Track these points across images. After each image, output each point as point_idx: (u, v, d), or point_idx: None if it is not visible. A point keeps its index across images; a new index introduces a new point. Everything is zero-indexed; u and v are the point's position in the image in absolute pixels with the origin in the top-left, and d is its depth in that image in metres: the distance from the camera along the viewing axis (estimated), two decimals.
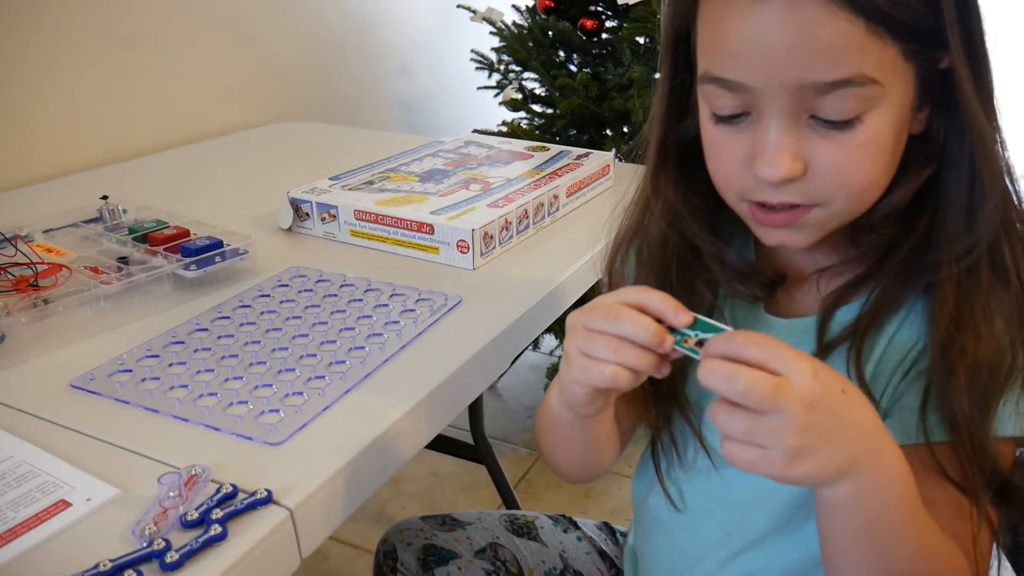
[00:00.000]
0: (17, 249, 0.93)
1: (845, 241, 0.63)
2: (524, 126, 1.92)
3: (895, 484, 0.52)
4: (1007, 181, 0.59)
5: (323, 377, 0.74)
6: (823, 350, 0.62)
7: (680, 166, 0.67)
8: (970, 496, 0.57)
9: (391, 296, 0.89)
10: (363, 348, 0.79)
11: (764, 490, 0.67)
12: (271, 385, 0.73)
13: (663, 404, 0.71)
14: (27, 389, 0.74)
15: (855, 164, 0.55)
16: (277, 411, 0.69)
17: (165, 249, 0.94)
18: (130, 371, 0.76)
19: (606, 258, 0.76)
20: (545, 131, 1.90)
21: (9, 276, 0.88)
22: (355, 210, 1.03)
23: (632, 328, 0.53)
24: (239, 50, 1.73)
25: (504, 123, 1.93)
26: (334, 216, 1.05)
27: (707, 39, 0.57)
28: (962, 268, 0.58)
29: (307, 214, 1.07)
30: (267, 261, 0.98)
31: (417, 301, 0.88)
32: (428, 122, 2.37)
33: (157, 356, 0.78)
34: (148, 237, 0.97)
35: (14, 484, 0.61)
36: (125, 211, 1.06)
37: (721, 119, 0.59)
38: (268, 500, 0.58)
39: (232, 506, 0.57)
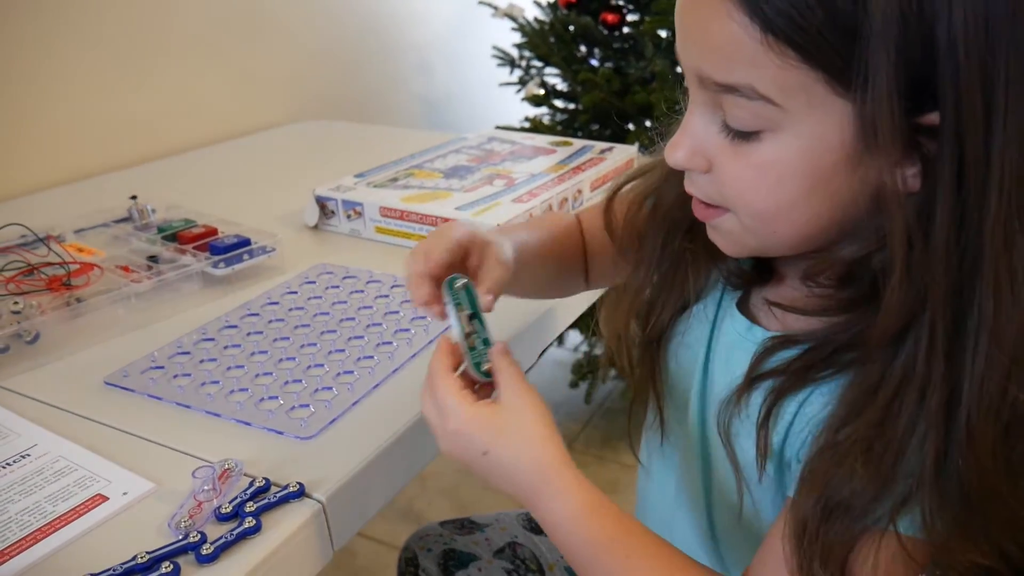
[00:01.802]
0: (50, 249, 0.94)
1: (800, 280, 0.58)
2: (546, 121, 1.91)
3: (559, 527, 0.55)
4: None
5: (352, 372, 0.74)
6: (748, 384, 0.58)
7: None
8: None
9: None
10: (391, 343, 0.79)
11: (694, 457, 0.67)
12: (301, 380, 0.73)
13: (644, 366, 0.70)
14: (62, 386, 0.75)
15: (751, 182, 0.51)
16: (307, 406, 0.69)
17: (194, 247, 0.95)
18: (162, 368, 0.77)
19: (611, 187, 0.73)
20: (567, 126, 1.90)
21: (42, 276, 0.90)
22: (380, 207, 1.04)
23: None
24: (262, 50, 1.74)
25: (526, 119, 1.93)
26: (360, 213, 1.06)
27: None
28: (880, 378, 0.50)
29: (333, 211, 1.08)
30: (294, 258, 0.99)
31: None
32: (450, 119, 2.37)
33: (188, 353, 0.79)
34: (177, 236, 0.98)
35: (52, 479, 0.62)
36: (154, 210, 1.07)
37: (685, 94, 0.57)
38: (300, 493, 0.59)
39: (265, 499, 0.58)
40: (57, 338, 0.81)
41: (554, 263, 0.76)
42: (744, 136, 0.50)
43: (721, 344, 0.63)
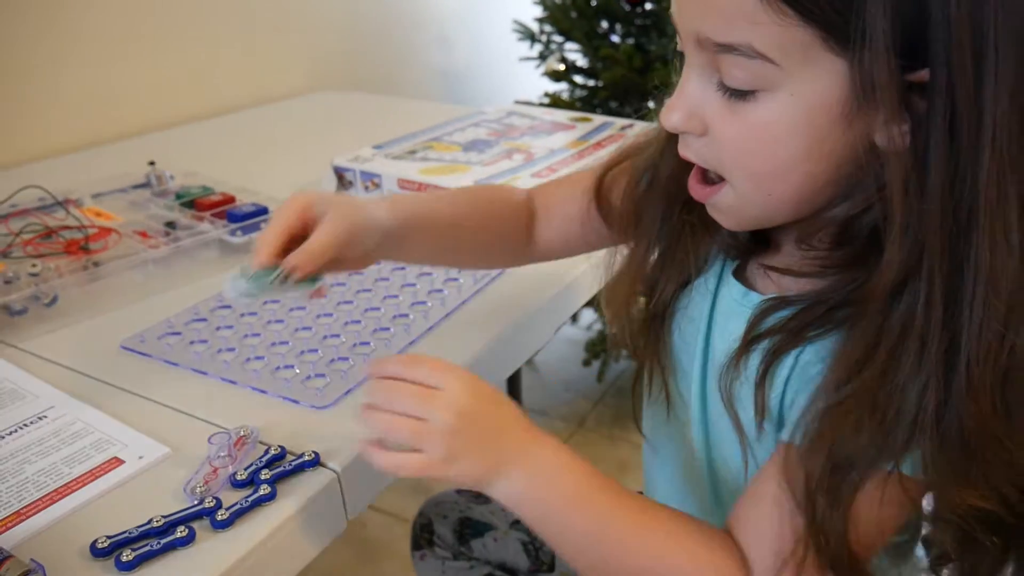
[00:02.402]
0: (68, 212, 0.94)
1: (793, 239, 0.58)
2: (565, 97, 1.90)
3: (553, 478, 0.54)
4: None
5: (368, 343, 0.74)
6: (745, 347, 0.57)
7: None
8: (805, 515, 0.51)
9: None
10: (407, 316, 0.79)
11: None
12: (317, 350, 0.73)
13: (649, 341, 0.69)
14: (79, 349, 0.75)
15: (748, 143, 0.51)
16: (323, 375, 0.69)
17: (211, 215, 0.95)
18: (179, 334, 0.77)
19: (601, 167, 0.72)
20: (587, 102, 1.88)
21: (60, 239, 0.90)
22: (399, 179, 1.03)
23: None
24: (283, 19, 1.73)
25: (545, 94, 1.92)
26: (377, 184, 1.05)
27: None
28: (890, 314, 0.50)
29: (350, 182, 1.08)
30: None
31: (460, 270, 0.88)
32: (469, 92, 2.36)
33: (204, 320, 0.79)
34: (195, 203, 0.98)
35: (69, 441, 0.62)
36: (172, 177, 1.07)
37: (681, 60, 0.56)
38: (316, 462, 0.59)
39: (280, 467, 0.58)
40: (74, 301, 0.81)
41: (472, 237, 0.74)
42: (741, 96, 0.50)
43: (719, 313, 0.63)
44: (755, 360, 0.57)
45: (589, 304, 1.89)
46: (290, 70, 1.78)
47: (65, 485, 0.58)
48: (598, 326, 2.08)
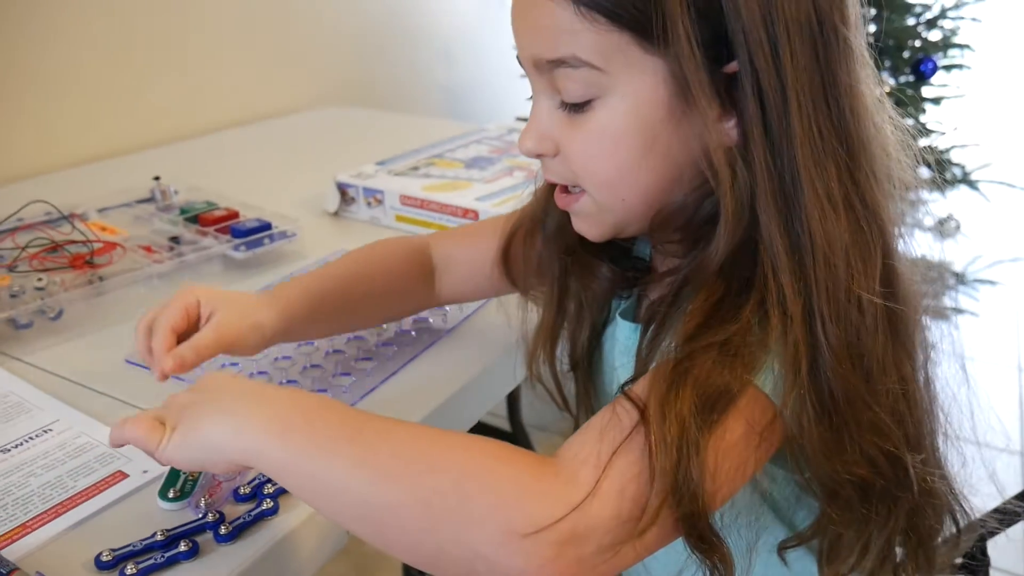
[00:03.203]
0: (74, 227, 0.95)
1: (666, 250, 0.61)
2: None
3: (307, 420, 0.47)
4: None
5: (371, 359, 0.75)
6: (640, 365, 0.57)
7: None
8: (636, 402, 0.47)
9: None
10: (409, 332, 0.80)
11: None
12: (320, 365, 0.74)
13: (578, 391, 0.71)
14: (84, 363, 0.76)
15: (591, 151, 0.54)
16: (325, 390, 0.70)
17: (215, 230, 0.96)
18: None
19: (503, 236, 0.72)
20: None
21: (66, 253, 0.91)
22: (401, 195, 1.04)
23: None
24: (287, 35, 1.74)
25: None
26: (380, 201, 1.06)
27: None
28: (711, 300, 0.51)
29: (353, 198, 1.09)
30: (314, 244, 1.00)
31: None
32: (470, 109, 2.37)
33: None
34: (199, 218, 0.99)
35: (74, 454, 0.63)
36: (176, 192, 1.08)
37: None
38: None
39: None
40: (79, 315, 0.82)
41: (373, 302, 0.74)
42: (579, 108, 0.53)
43: (618, 354, 0.64)
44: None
45: None
46: (294, 86, 1.79)
47: (70, 498, 0.58)
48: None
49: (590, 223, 0.59)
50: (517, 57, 0.57)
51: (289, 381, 0.72)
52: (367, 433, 0.47)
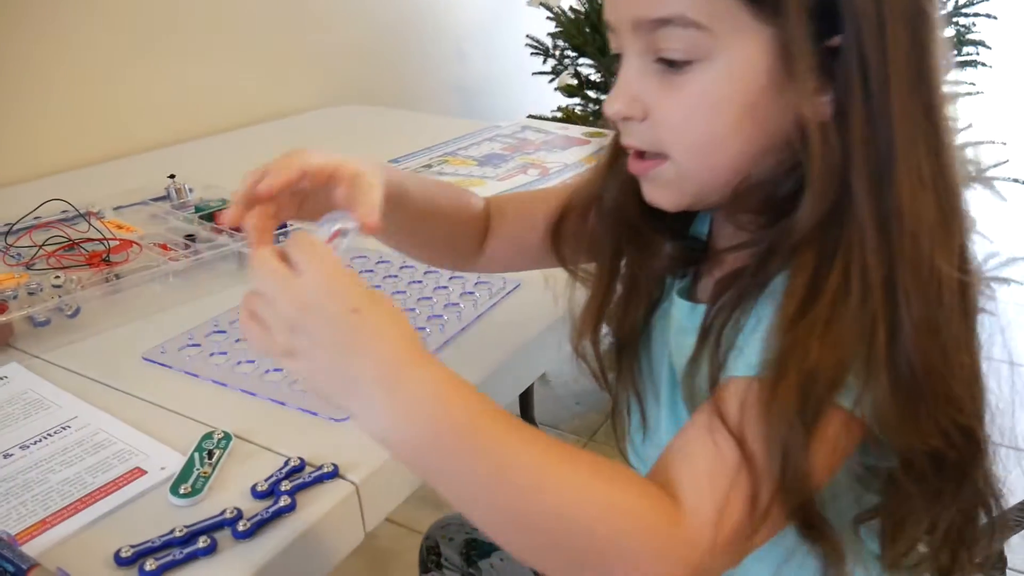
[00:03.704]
0: (90, 225, 0.96)
1: (753, 221, 0.58)
2: (579, 112, 1.91)
3: (436, 407, 0.46)
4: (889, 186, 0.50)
5: None
6: (702, 335, 0.57)
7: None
8: (735, 435, 0.49)
9: (450, 279, 0.90)
10: (424, 329, 0.80)
11: None
12: None
13: (623, 370, 0.70)
14: (101, 361, 0.76)
15: (687, 116, 0.54)
16: None
17: (230, 227, 0.96)
18: (199, 345, 0.78)
19: (557, 208, 0.72)
20: (600, 117, 1.89)
21: (83, 251, 0.91)
22: None
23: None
24: (300, 34, 1.75)
25: (559, 108, 1.93)
26: None
27: None
28: (819, 266, 0.51)
29: None
30: None
31: (476, 284, 0.89)
32: (482, 107, 2.37)
33: (224, 332, 0.80)
34: (214, 215, 0.99)
35: (92, 451, 0.63)
36: (191, 190, 1.08)
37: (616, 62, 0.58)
38: (334, 474, 0.60)
39: (300, 479, 0.59)
40: (96, 313, 0.82)
41: (435, 225, 0.72)
42: (678, 69, 0.52)
43: (674, 333, 0.64)
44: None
45: None
46: (308, 84, 1.80)
47: (89, 494, 0.59)
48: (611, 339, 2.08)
49: (668, 191, 0.58)
50: (606, 25, 0.55)
51: None
52: (498, 440, 0.46)
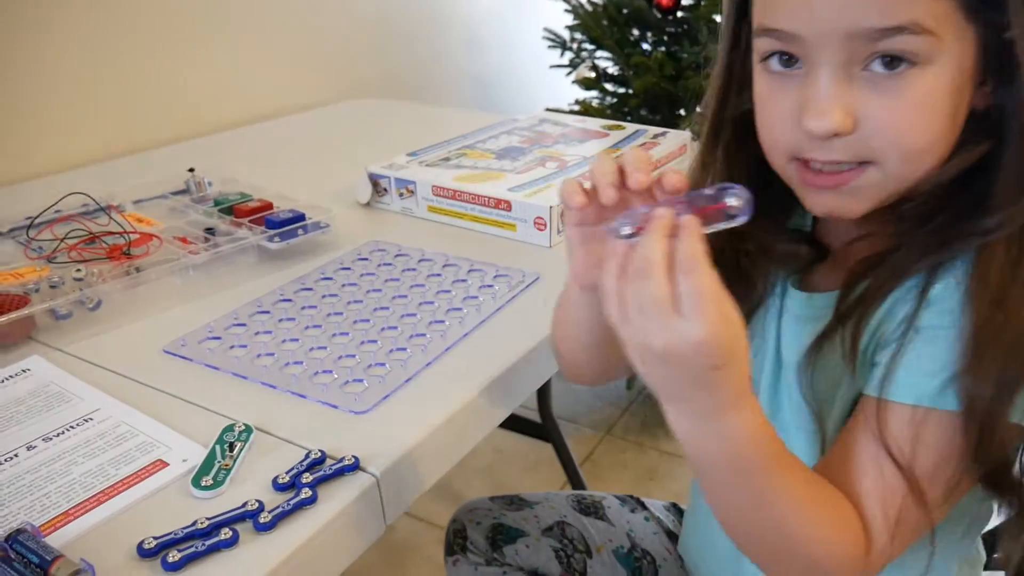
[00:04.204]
0: (111, 218, 0.96)
1: (887, 211, 0.59)
2: (596, 105, 1.90)
3: (729, 439, 0.51)
4: None
5: (404, 349, 0.75)
6: (838, 320, 0.59)
7: (734, 138, 0.65)
8: (899, 465, 0.54)
9: (469, 271, 0.90)
10: (443, 322, 0.80)
11: None
12: (354, 355, 0.74)
13: None
14: (123, 353, 0.77)
15: (908, 121, 0.53)
16: (361, 380, 0.70)
17: (250, 221, 0.96)
18: (219, 338, 0.78)
19: None
20: (617, 110, 1.88)
21: (103, 244, 0.92)
22: (433, 186, 1.04)
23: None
24: (319, 28, 1.75)
25: (576, 101, 1.92)
26: (412, 192, 1.06)
27: None
28: (1010, 244, 0.54)
29: (385, 189, 1.09)
30: (347, 235, 1.00)
31: (495, 277, 0.88)
32: (499, 100, 2.37)
33: (244, 325, 0.80)
34: (233, 209, 0.99)
35: (114, 443, 0.64)
36: (210, 183, 1.09)
37: (774, 73, 0.57)
38: (355, 467, 0.60)
39: (321, 471, 0.59)
40: (117, 306, 0.83)
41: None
42: (893, 78, 0.52)
43: (788, 323, 0.65)
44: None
45: None
46: (326, 78, 1.80)
47: (112, 486, 0.59)
48: None
49: (862, 199, 0.57)
50: (773, 30, 0.54)
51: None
52: (779, 475, 0.54)
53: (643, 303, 0.48)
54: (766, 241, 0.64)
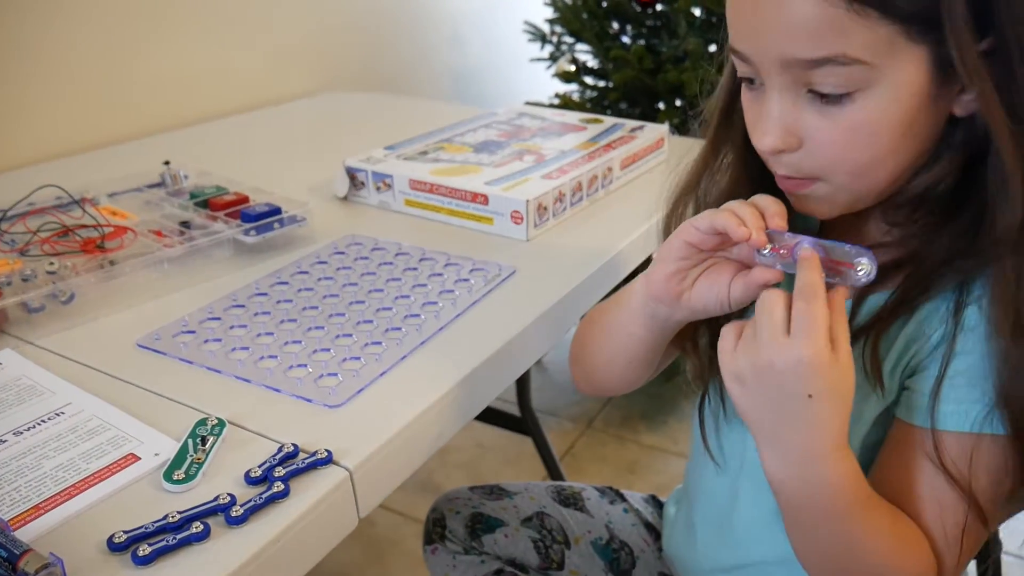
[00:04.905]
0: (84, 211, 0.95)
1: (889, 219, 0.62)
2: (576, 98, 1.90)
3: (823, 487, 0.55)
4: None
5: (379, 343, 0.75)
6: (853, 336, 0.60)
7: (745, 131, 0.67)
8: (967, 495, 0.57)
9: (445, 265, 0.90)
10: (418, 316, 0.80)
11: None
12: (329, 349, 0.74)
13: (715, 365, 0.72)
14: (96, 347, 0.76)
15: (848, 143, 0.55)
16: (335, 375, 0.70)
17: (225, 214, 0.96)
18: (193, 332, 0.78)
19: (663, 218, 0.75)
20: (597, 103, 1.88)
21: (77, 238, 0.91)
22: (410, 179, 1.04)
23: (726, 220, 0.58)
24: (295, 19, 1.74)
25: (556, 95, 1.92)
26: (389, 185, 1.06)
27: (727, 9, 0.58)
28: (1018, 258, 0.55)
29: (363, 183, 1.08)
30: (323, 228, 1.00)
31: (471, 271, 0.89)
32: (479, 93, 2.37)
33: (219, 319, 0.80)
34: (209, 202, 0.99)
35: (86, 437, 0.63)
36: (186, 176, 1.08)
37: (747, 83, 0.60)
38: (328, 460, 0.60)
39: (294, 465, 0.59)
40: (91, 299, 0.82)
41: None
42: (835, 101, 0.54)
43: None
44: (857, 348, 0.60)
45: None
46: (302, 70, 1.79)
47: (82, 480, 0.59)
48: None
49: (820, 205, 0.60)
50: (735, 51, 0.56)
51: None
52: (854, 526, 0.57)
53: (761, 326, 0.53)
54: None
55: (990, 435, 0.57)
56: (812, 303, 0.52)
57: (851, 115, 0.53)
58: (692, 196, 0.71)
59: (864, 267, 0.54)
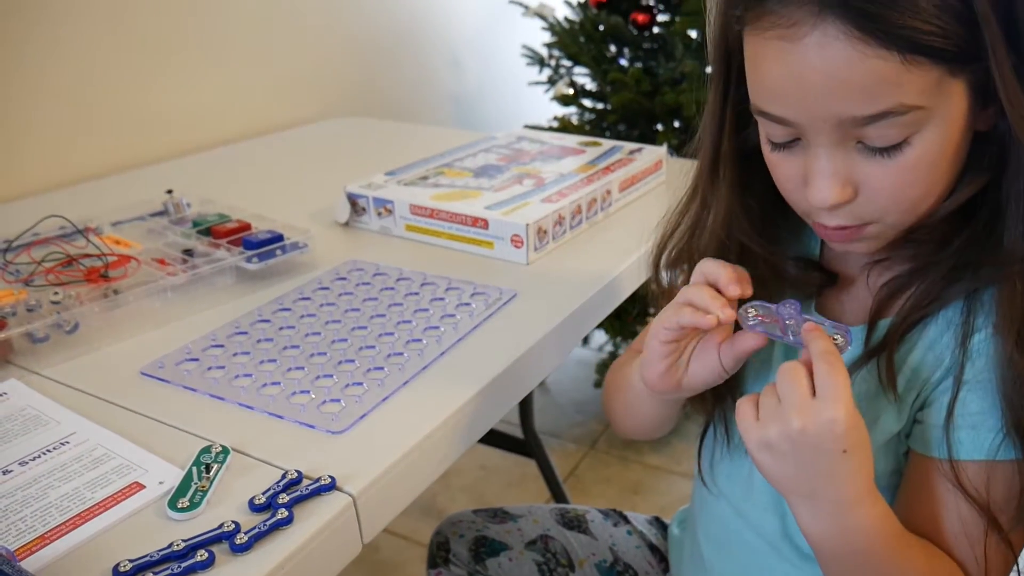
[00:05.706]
0: (88, 241, 0.96)
1: (901, 240, 0.63)
2: (575, 121, 1.92)
3: (861, 533, 0.57)
4: None
5: (382, 368, 0.75)
6: (867, 358, 0.62)
7: (738, 173, 0.67)
8: (988, 515, 0.58)
9: (447, 290, 0.91)
10: (420, 341, 0.80)
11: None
12: (332, 375, 0.75)
13: (721, 392, 0.72)
14: (100, 376, 0.77)
15: (906, 183, 0.56)
16: (338, 400, 0.70)
17: (228, 242, 0.97)
18: (196, 360, 0.78)
19: (651, 258, 0.76)
20: (596, 126, 1.90)
21: (81, 267, 0.92)
22: (411, 205, 1.05)
23: (696, 296, 0.61)
24: (296, 47, 1.76)
25: (555, 118, 1.94)
26: (390, 211, 1.07)
27: (751, 75, 0.58)
28: None
29: (364, 209, 1.09)
30: (325, 255, 1.00)
31: (472, 295, 0.89)
32: (478, 117, 2.38)
33: (222, 346, 0.81)
34: (211, 230, 1.00)
35: (91, 466, 0.64)
36: (189, 205, 1.09)
37: (776, 145, 0.60)
38: (332, 486, 0.60)
39: (297, 491, 0.59)
40: (95, 329, 0.83)
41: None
42: (887, 151, 0.55)
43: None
44: (874, 367, 0.62)
45: (600, 327, 1.90)
46: (304, 98, 1.81)
47: (88, 509, 0.59)
48: (609, 348, 2.09)
49: (870, 243, 0.61)
50: (767, 114, 0.57)
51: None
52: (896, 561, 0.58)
53: (786, 395, 0.55)
54: (778, 265, 0.68)
55: (1004, 462, 0.58)
56: (835, 366, 0.54)
57: (908, 157, 0.54)
58: (684, 253, 0.73)
59: (839, 343, 0.58)
